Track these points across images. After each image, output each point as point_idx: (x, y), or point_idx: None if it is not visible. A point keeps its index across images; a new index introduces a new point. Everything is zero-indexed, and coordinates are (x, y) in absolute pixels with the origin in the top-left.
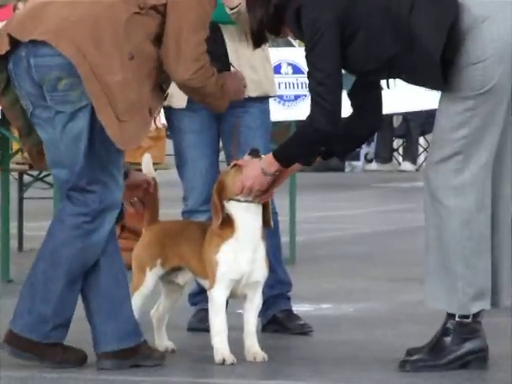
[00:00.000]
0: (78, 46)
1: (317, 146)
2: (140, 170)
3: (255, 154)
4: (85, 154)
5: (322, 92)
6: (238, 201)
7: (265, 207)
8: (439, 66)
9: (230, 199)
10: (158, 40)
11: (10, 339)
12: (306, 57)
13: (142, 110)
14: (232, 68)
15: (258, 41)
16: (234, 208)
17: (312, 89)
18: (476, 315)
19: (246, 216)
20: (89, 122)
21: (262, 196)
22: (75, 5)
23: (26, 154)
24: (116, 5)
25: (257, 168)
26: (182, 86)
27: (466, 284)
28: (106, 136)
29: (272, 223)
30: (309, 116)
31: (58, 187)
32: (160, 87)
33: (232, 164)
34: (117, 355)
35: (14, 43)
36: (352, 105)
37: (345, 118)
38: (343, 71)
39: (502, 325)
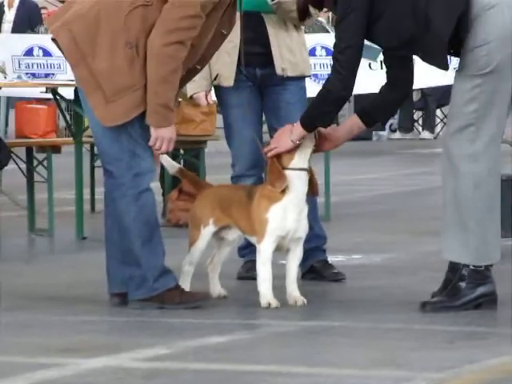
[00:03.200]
0: (74, 36)
1: (331, 107)
2: (192, 141)
3: None
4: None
5: (341, 60)
6: (293, 169)
7: (311, 178)
8: (446, 49)
9: (284, 168)
10: None
11: (127, 303)
12: (335, 27)
13: (135, 92)
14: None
15: (302, 15)
16: (289, 175)
17: (334, 56)
18: (488, 264)
19: (297, 182)
20: None
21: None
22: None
23: None
24: None
25: (286, 135)
26: (153, 56)
27: (477, 239)
28: None
29: (318, 192)
30: (327, 80)
31: None
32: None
33: None
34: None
35: None
36: (386, 72)
37: (381, 87)
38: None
39: (508, 270)
